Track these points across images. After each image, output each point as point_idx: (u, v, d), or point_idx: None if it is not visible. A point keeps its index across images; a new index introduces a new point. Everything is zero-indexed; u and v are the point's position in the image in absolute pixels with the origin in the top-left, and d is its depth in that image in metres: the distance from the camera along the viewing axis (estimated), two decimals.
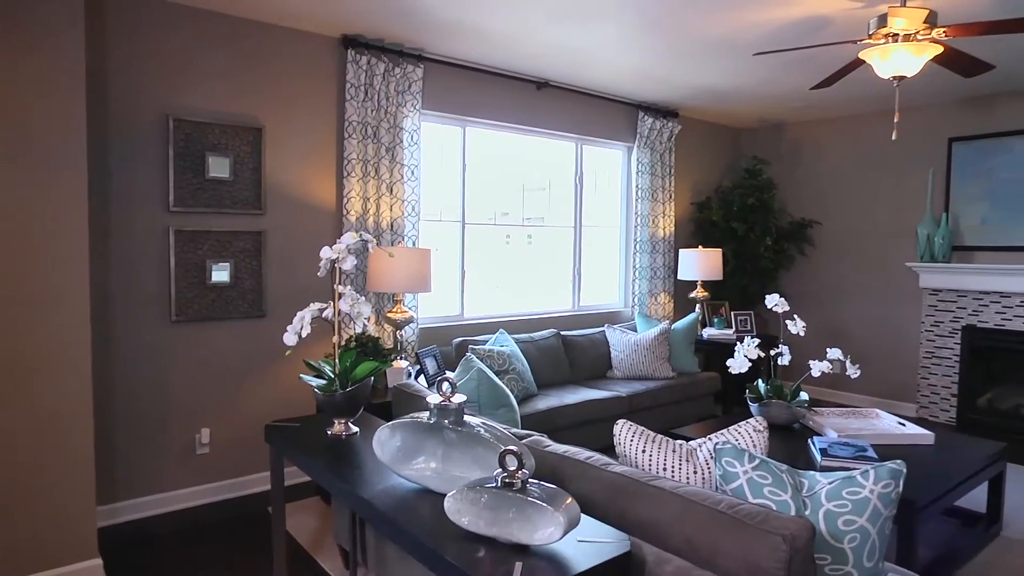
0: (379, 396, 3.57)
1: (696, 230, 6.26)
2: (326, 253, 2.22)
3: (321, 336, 3.90)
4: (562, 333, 4.83)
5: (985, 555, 3.07)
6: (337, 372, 2.21)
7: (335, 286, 2.26)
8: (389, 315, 3.76)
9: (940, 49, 3.00)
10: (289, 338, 2.20)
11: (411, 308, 4.19)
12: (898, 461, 1.71)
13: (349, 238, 2.22)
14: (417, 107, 4.13)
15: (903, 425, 3.38)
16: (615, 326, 5.04)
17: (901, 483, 1.70)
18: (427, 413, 1.79)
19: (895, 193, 5.65)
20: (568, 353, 4.72)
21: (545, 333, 4.67)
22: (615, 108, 5.44)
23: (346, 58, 3.89)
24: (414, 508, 1.67)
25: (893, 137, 3.60)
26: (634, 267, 5.65)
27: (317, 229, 3.90)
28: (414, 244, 4.20)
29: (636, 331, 5.12)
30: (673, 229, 5.90)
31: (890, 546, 2.90)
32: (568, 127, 5.14)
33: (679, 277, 5.64)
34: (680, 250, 5.62)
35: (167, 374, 3.44)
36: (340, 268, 2.25)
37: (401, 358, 3.78)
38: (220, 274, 3.54)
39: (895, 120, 3.45)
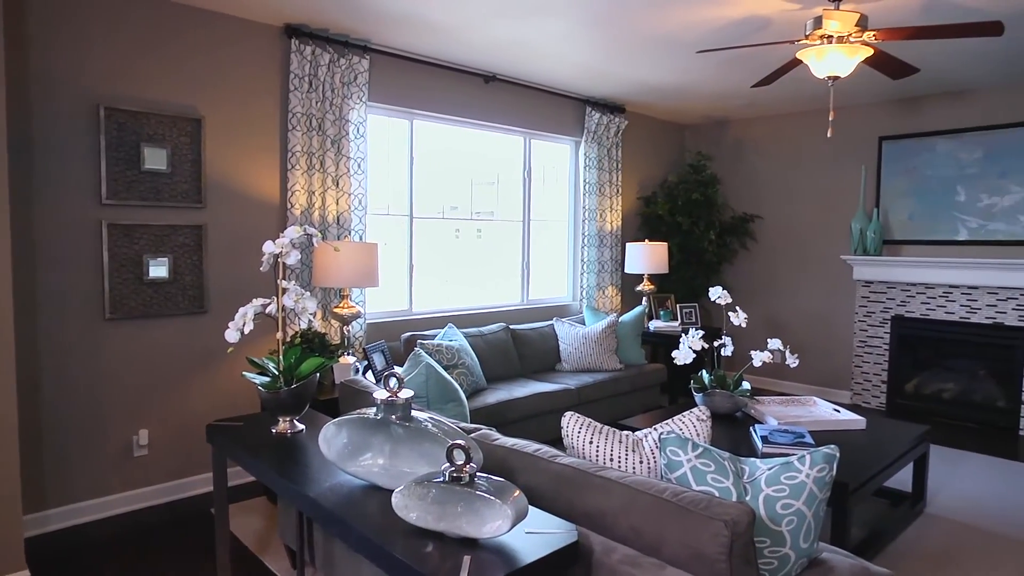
0: (326, 393, 3.51)
1: (643, 224, 6.37)
2: (269, 248, 2.17)
3: (265, 333, 3.81)
4: (511, 327, 4.85)
5: (911, 531, 3.24)
6: (281, 369, 2.16)
7: (278, 281, 2.21)
8: (336, 310, 3.71)
9: (871, 51, 3.13)
10: (231, 335, 2.14)
11: (358, 303, 4.13)
12: (832, 446, 1.78)
13: (293, 232, 2.18)
14: (363, 99, 4.07)
15: (838, 412, 3.53)
16: (564, 319, 5.09)
17: (835, 467, 1.77)
18: (374, 409, 1.77)
19: (831, 189, 5.87)
20: (517, 347, 4.75)
21: (494, 327, 4.67)
22: (563, 103, 5.48)
23: (290, 48, 3.80)
24: (361, 505, 1.66)
25: (828, 135, 3.74)
26: (582, 261, 5.71)
27: (261, 223, 3.80)
28: (361, 238, 4.14)
29: (584, 324, 5.19)
30: (620, 223, 5.99)
31: (825, 527, 3.03)
32: (516, 121, 5.15)
33: (626, 271, 5.73)
34: (627, 244, 5.71)
35: (101, 374, 3.30)
36: (284, 263, 2.20)
37: (348, 354, 3.72)
38: (158, 270, 3.41)
39: (830, 118, 3.59)
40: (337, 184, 4.02)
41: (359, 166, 4.10)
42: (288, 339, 3.65)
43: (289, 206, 3.83)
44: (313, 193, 3.92)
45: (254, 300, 2.20)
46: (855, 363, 5.74)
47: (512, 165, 5.33)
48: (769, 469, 1.77)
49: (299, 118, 3.80)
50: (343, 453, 1.81)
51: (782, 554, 1.71)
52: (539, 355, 4.83)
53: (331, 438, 1.82)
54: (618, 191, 5.87)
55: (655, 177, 6.52)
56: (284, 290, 2.27)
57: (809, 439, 2.92)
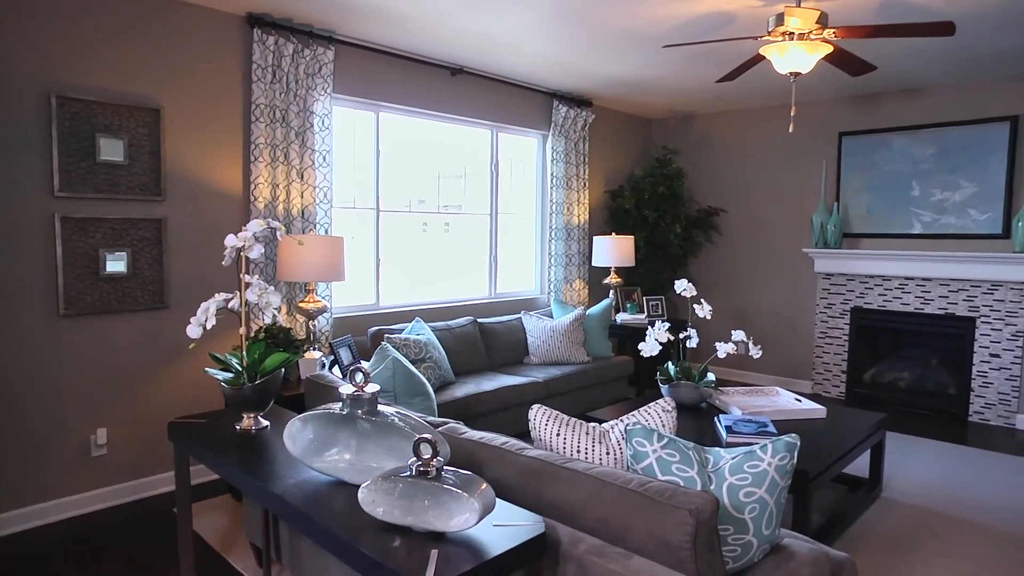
0: (292, 388, 3.47)
1: (609, 218, 6.41)
2: (231, 241, 2.13)
3: (228, 328, 3.75)
4: (479, 320, 4.85)
5: (868, 515, 3.34)
6: (245, 365, 2.13)
7: (241, 275, 2.17)
8: (301, 305, 3.66)
9: (830, 49, 3.20)
10: (193, 330, 2.10)
11: (324, 298, 4.09)
12: (793, 435, 1.83)
13: (255, 225, 2.14)
14: (328, 91, 4.01)
15: (799, 401, 3.61)
16: (531, 313, 5.10)
17: (795, 455, 1.82)
18: (340, 404, 1.76)
19: (793, 183, 5.99)
20: (485, 340, 4.75)
21: (462, 321, 4.67)
22: (530, 96, 5.48)
23: (252, 38, 3.72)
24: (328, 501, 1.64)
25: (790, 130, 3.81)
26: (550, 254, 5.73)
27: (223, 216, 3.73)
28: (327, 232, 4.09)
29: (552, 317, 5.21)
30: (587, 216, 6.02)
31: (786, 513, 3.10)
32: (483, 114, 5.13)
33: (593, 264, 5.77)
34: (594, 237, 5.75)
35: (56, 372, 3.20)
36: (246, 257, 2.16)
37: (314, 349, 3.68)
38: (116, 264, 3.32)
39: (792, 114, 3.66)
40: (302, 177, 3.96)
41: (324, 159, 4.04)
42: (252, 334, 3.59)
43: (252, 199, 3.76)
44: (277, 186, 3.85)
45: (216, 295, 2.16)
46: (816, 354, 5.88)
47: (479, 158, 5.31)
48: (732, 458, 1.81)
49: (262, 109, 3.73)
50: (309, 449, 1.79)
51: (745, 541, 1.75)
52: (507, 348, 4.84)
53: (296, 434, 1.80)
54: (585, 185, 5.90)
55: (622, 171, 6.56)
56: (247, 285, 2.23)
57: (772, 428, 2.99)
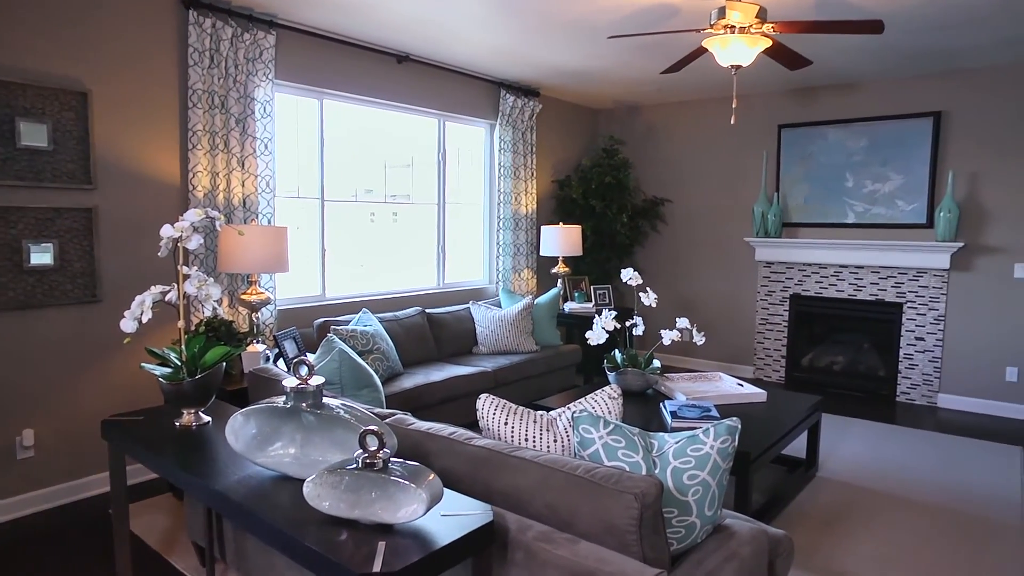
0: (235, 382, 3.38)
1: (557, 207, 6.45)
2: (167, 231, 2.05)
3: (166, 322, 3.62)
4: (427, 311, 4.82)
5: (805, 494, 3.48)
6: (184, 359, 2.06)
7: (179, 267, 2.10)
8: (243, 297, 3.56)
9: (769, 43, 3.29)
10: (127, 324, 2.02)
11: (268, 289, 3.99)
12: (734, 419, 1.88)
13: (193, 215, 2.07)
14: (269, 76, 3.90)
15: (741, 386, 3.72)
16: (480, 302, 5.10)
17: (736, 438, 1.87)
18: (284, 397, 1.72)
19: (735, 174, 6.14)
20: (434, 330, 4.72)
21: (410, 311, 4.63)
22: (477, 85, 5.45)
23: (188, 19, 3.57)
24: (272, 496, 1.61)
25: (732, 122, 3.91)
26: (498, 244, 5.73)
27: (160, 206, 3.59)
28: (270, 222, 3.99)
29: (500, 307, 5.22)
30: (535, 206, 6.04)
31: (728, 494, 3.20)
32: (430, 103, 5.08)
33: (541, 253, 5.80)
34: (542, 227, 5.78)
35: None
36: (184, 248, 2.09)
37: (258, 342, 3.59)
38: (41, 256, 3.16)
39: (733, 106, 3.75)
40: (243, 165, 3.85)
41: (266, 147, 3.93)
42: (193, 328, 3.48)
43: (191, 188, 3.63)
44: (217, 175, 3.73)
45: (153, 287, 2.08)
46: (757, 339, 6.07)
47: (427, 147, 5.26)
48: (676, 442, 1.85)
49: (200, 95, 3.60)
50: (252, 444, 1.75)
51: (689, 522, 1.80)
52: (456, 338, 4.83)
53: (239, 429, 1.75)
54: (533, 174, 5.92)
55: (569, 161, 6.61)
56: (186, 276, 2.15)
57: (715, 413, 3.07)
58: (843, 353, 5.81)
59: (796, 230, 5.83)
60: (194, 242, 2.07)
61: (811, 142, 5.67)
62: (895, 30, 4.01)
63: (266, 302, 3.60)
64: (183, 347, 2.06)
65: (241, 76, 3.77)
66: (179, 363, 2.06)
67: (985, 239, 5.00)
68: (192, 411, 2.11)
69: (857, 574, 2.70)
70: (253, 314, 3.62)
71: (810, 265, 5.74)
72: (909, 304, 5.30)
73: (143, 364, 2.10)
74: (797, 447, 4.12)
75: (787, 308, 5.88)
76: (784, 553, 2.01)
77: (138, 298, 2.04)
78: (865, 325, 5.66)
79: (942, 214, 4.98)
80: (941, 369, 5.23)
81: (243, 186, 3.86)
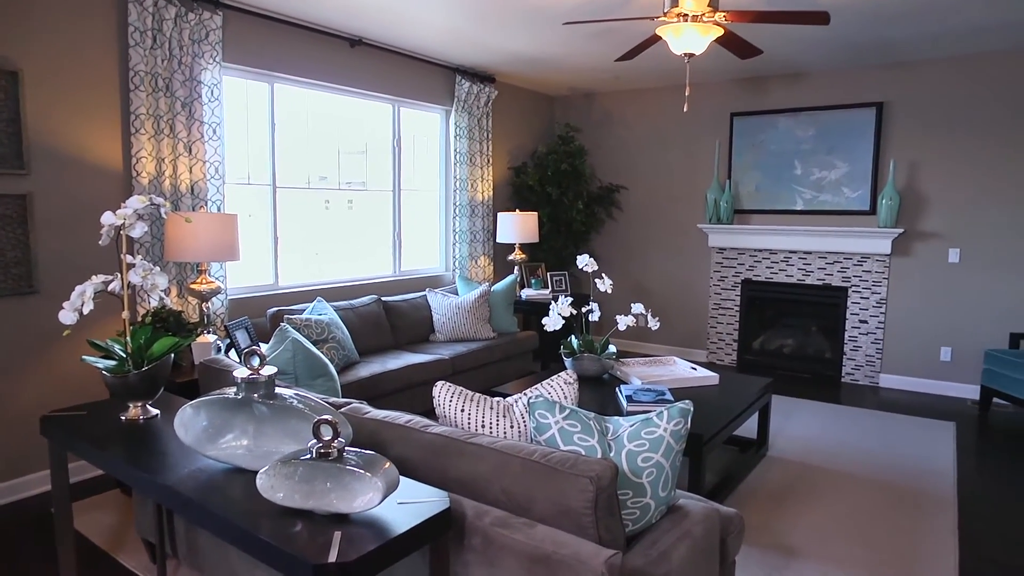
0: (185, 374, 3.29)
1: (513, 194, 6.45)
2: (108, 219, 1.97)
3: (110, 313, 3.49)
4: (383, 299, 4.77)
5: (756, 473, 3.59)
6: (130, 351, 2.00)
7: (122, 256, 2.02)
8: (193, 287, 3.46)
9: (721, 31, 3.33)
10: (67, 316, 1.94)
11: (218, 278, 3.89)
12: (687, 401, 1.92)
13: (136, 202, 1.99)
14: (217, 59, 3.77)
15: (695, 370, 3.80)
16: (436, 290, 5.08)
17: (689, 420, 1.91)
18: (235, 388, 1.69)
19: (689, 161, 6.24)
20: (390, 319, 4.68)
21: (365, 300, 4.58)
22: (432, 70, 5.39)
23: None
24: (224, 489, 1.58)
25: (685, 109, 3.95)
26: (454, 231, 5.71)
27: (102, 192, 3.45)
28: (219, 209, 3.88)
29: (457, 294, 5.21)
30: (491, 193, 6.03)
31: (682, 475, 3.28)
32: (385, 88, 5.00)
33: (498, 240, 5.80)
34: (498, 214, 5.77)
35: None
36: (127, 236, 2.02)
37: (208, 332, 3.50)
38: None
39: (686, 94, 3.79)
40: (190, 151, 3.72)
41: (214, 132, 3.81)
42: (139, 319, 3.37)
43: (135, 174, 3.50)
44: (163, 160, 3.60)
45: (94, 277, 2.00)
46: (710, 324, 6.20)
47: (381, 134, 5.18)
48: (631, 426, 1.88)
49: (142, 77, 3.46)
50: (202, 436, 1.71)
51: (643, 503, 1.83)
52: (412, 326, 4.80)
53: (188, 421, 1.71)
54: (489, 161, 5.89)
55: (525, 148, 6.60)
56: (130, 266, 2.08)
57: (669, 396, 3.14)
58: (792, 336, 5.99)
59: (747, 217, 5.96)
60: (138, 230, 2.00)
61: (762, 130, 5.79)
62: (840, 22, 4.12)
63: (216, 291, 3.50)
64: (128, 338, 1.99)
65: (186, 58, 3.64)
66: (124, 355, 1.99)
67: (923, 225, 5.21)
68: (139, 404, 2.04)
69: (803, 547, 2.81)
70: (203, 304, 3.53)
71: (761, 251, 5.88)
72: (854, 288, 5.49)
73: (84, 357, 2.02)
74: (748, 428, 4.24)
75: (739, 293, 6.02)
76: (735, 531, 2.07)
77: (78, 288, 1.97)
78: (813, 309, 5.84)
79: (884, 201, 5.16)
80: (883, 351, 5.44)
81: (191, 172, 3.74)
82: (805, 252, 5.66)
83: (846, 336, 5.56)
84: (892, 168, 5.16)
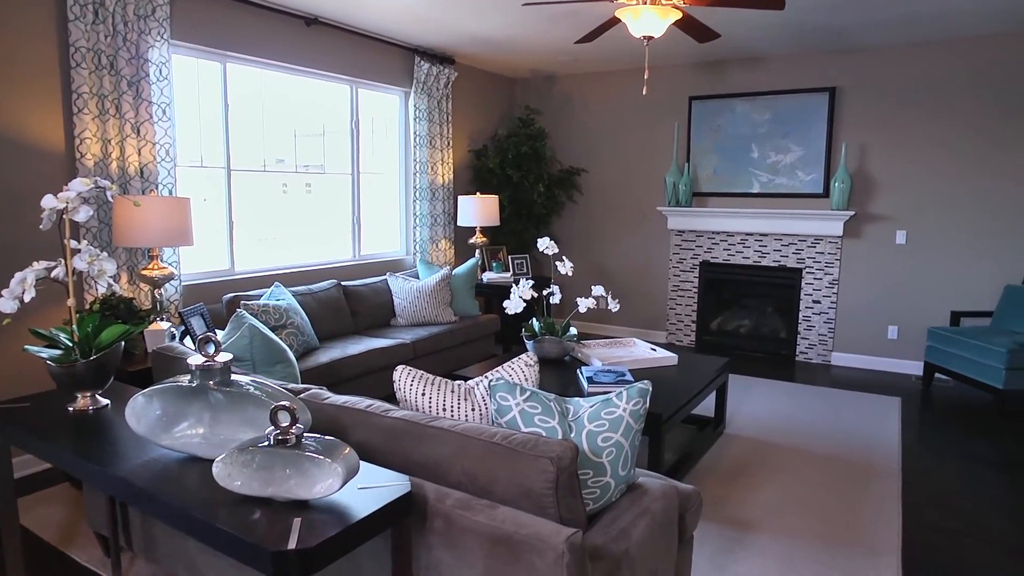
0: (138, 363, 3.20)
1: (474, 177, 6.42)
2: (49, 203, 1.90)
3: (55, 301, 3.37)
4: (343, 283, 4.71)
5: (713, 451, 3.67)
6: (77, 340, 1.93)
7: (65, 241, 1.95)
8: (144, 272, 3.36)
9: (679, 15, 3.35)
10: (6, 304, 1.86)
11: (171, 264, 3.78)
12: (646, 382, 1.95)
13: (80, 184, 1.92)
14: (164, 36, 3.64)
15: (654, 350, 3.86)
16: (397, 274, 5.03)
17: (647, 400, 1.95)
18: (189, 376, 1.65)
19: (648, 144, 6.29)
20: (350, 303, 4.63)
21: (325, 284, 4.51)
22: (391, 51, 5.29)
23: None
24: (180, 479, 1.55)
25: (644, 92, 3.97)
26: (414, 214, 5.65)
27: (42, 175, 3.30)
28: (171, 192, 3.76)
29: (418, 278, 5.17)
30: (452, 176, 5.98)
31: (642, 454, 3.34)
32: (342, 69, 4.90)
33: (459, 224, 5.77)
34: (459, 197, 5.74)
35: None
36: (71, 220, 1.94)
37: (162, 319, 3.41)
38: None
39: (645, 77, 3.81)
40: (138, 132, 3.59)
41: (164, 112, 3.68)
42: (88, 306, 3.26)
43: (79, 156, 3.36)
44: (109, 142, 3.47)
45: (35, 263, 1.93)
46: (669, 305, 6.30)
47: (339, 116, 5.09)
48: (591, 406, 1.91)
49: (84, 54, 3.32)
50: (156, 426, 1.67)
51: (603, 483, 1.86)
52: (373, 311, 4.76)
53: (141, 410, 1.67)
54: (449, 144, 5.84)
55: (486, 130, 6.56)
56: (75, 251, 2.01)
57: (629, 377, 3.18)
58: (748, 317, 6.13)
59: (706, 199, 6.05)
60: (82, 214, 1.93)
61: (720, 114, 5.87)
62: (795, 7, 4.18)
63: (169, 277, 3.41)
64: (75, 327, 1.93)
65: (132, 35, 3.50)
66: (70, 344, 1.92)
67: (872, 208, 5.37)
68: (88, 394, 1.98)
69: (758, 521, 2.89)
70: (156, 290, 3.43)
71: (718, 233, 5.98)
72: (807, 269, 5.63)
73: (27, 347, 1.95)
74: (706, 406, 4.33)
75: (697, 275, 6.12)
76: (693, 507, 2.12)
77: (18, 275, 1.89)
78: (769, 290, 5.97)
79: (836, 184, 5.29)
80: (835, 330, 5.61)
81: (139, 154, 3.61)
82: (761, 234, 5.78)
83: (800, 316, 5.71)
84: (844, 152, 5.29)
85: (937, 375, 5.13)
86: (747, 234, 5.84)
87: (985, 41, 4.86)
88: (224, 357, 1.65)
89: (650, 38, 3.38)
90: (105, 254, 2.08)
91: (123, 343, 2.01)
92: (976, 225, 5.03)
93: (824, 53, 5.40)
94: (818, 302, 5.62)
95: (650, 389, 1.93)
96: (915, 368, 5.34)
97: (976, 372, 4.41)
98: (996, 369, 4.24)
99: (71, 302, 1.96)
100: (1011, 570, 2.57)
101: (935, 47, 5.02)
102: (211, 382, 1.62)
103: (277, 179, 4.67)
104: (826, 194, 5.48)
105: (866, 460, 3.58)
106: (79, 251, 2.00)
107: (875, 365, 5.49)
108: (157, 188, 3.69)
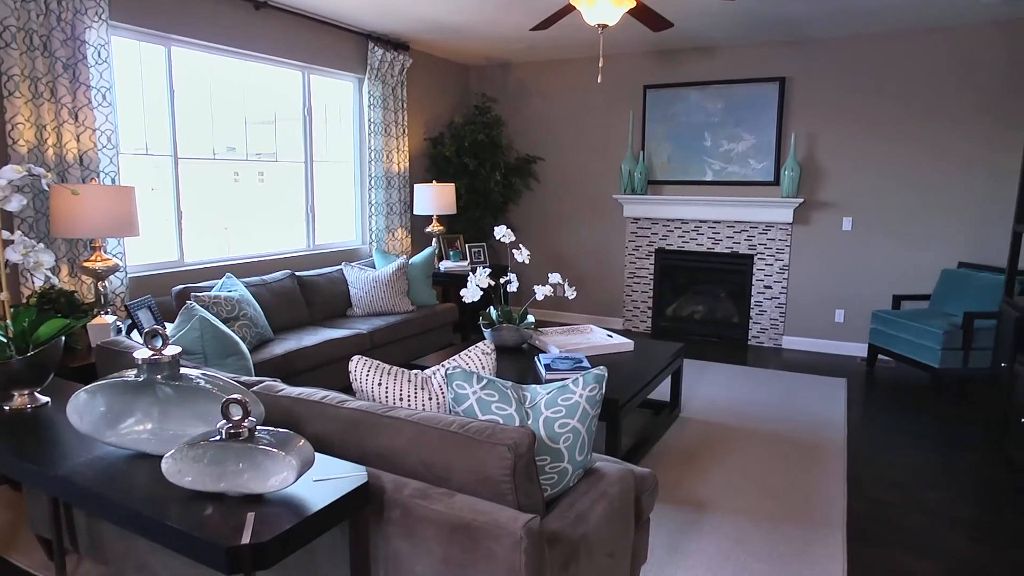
0: (81, 358, 3.09)
1: (430, 165, 6.36)
2: None
3: None
4: (297, 274, 4.62)
5: (669, 434, 3.75)
6: (11, 335, 1.85)
7: None
8: (86, 264, 3.23)
9: (633, 3, 3.36)
10: None
11: (116, 255, 3.65)
12: (602, 368, 1.97)
13: (11, 172, 1.83)
14: (103, 16, 3.48)
15: (611, 337, 3.91)
16: (353, 264, 4.96)
17: (603, 386, 1.97)
18: (136, 370, 1.60)
19: (604, 132, 6.32)
20: (305, 294, 4.55)
21: (279, 275, 4.42)
22: (343, 37, 5.19)
23: None
24: (127, 476, 1.50)
25: (599, 80, 3.99)
26: (370, 203, 5.58)
27: None
28: (113, 181, 3.62)
29: (375, 267, 5.11)
30: (408, 164, 5.91)
31: (600, 439, 3.39)
32: (293, 54, 4.78)
33: (415, 212, 5.71)
34: (415, 185, 5.68)
35: None
36: (3, 210, 1.85)
37: (106, 313, 3.29)
38: None
39: (600, 65, 3.82)
40: (76, 117, 3.44)
41: (104, 97, 3.54)
42: (25, 300, 3.12)
43: (11, 142, 3.20)
44: (44, 127, 3.31)
45: None
46: (626, 292, 6.38)
47: (291, 102, 4.97)
48: (548, 393, 1.92)
49: (13, 33, 3.15)
50: (100, 423, 1.61)
51: (561, 468, 1.88)
52: (329, 301, 4.69)
53: (83, 407, 1.61)
54: (404, 132, 5.77)
55: (441, 118, 6.50)
56: (8, 242, 1.91)
57: (586, 363, 3.21)
58: (703, 303, 6.25)
59: (660, 187, 6.13)
60: (15, 203, 1.84)
61: (673, 103, 5.94)
62: None
63: (114, 269, 3.29)
64: (8, 322, 1.84)
65: (66, 14, 3.35)
66: (5, 340, 1.84)
67: (821, 195, 5.52)
68: (25, 392, 1.90)
69: (712, 500, 2.97)
70: (99, 283, 3.30)
71: (673, 221, 6.07)
72: (759, 256, 5.77)
73: None
74: (662, 391, 4.41)
75: (653, 262, 6.21)
76: (649, 489, 2.16)
77: None
78: (722, 276, 6.10)
79: (786, 172, 5.42)
80: (785, 314, 5.77)
81: (78, 141, 3.46)
82: (714, 221, 5.89)
83: (752, 301, 5.85)
84: (793, 141, 5.42)
85: (880, 356, 5.33)
86: (701, 221, 5.94)
87: (922, 35, 5.02)
88: (173, 350, 1.60)
89: (604, 26, 3.39)
90: (42, 245, 1.99)
91: (63, 338, 1.93)
92: (915, 212, 5.22)
93: (776, 43, 5.51)
94: (769, 287, 5.77)
95: (606, 375, 1.95)
96: (860, 350, 5.53)
97: (915, 352, 4.60)
98: (932, 349, 4.43)
99: (5, 296, 1.88)
100: (946, 537, 2.70)
101: (878, 40, 5.17)
102: (159, 376, 1.58)
103: (228, 167, 4.54)
104: (777, 182, 5.62)
105: (814, 439, 3.70)
106: (12, 242, 1.91)
107: (823, 348, 5.67)
108: (99, 176, 3.54)
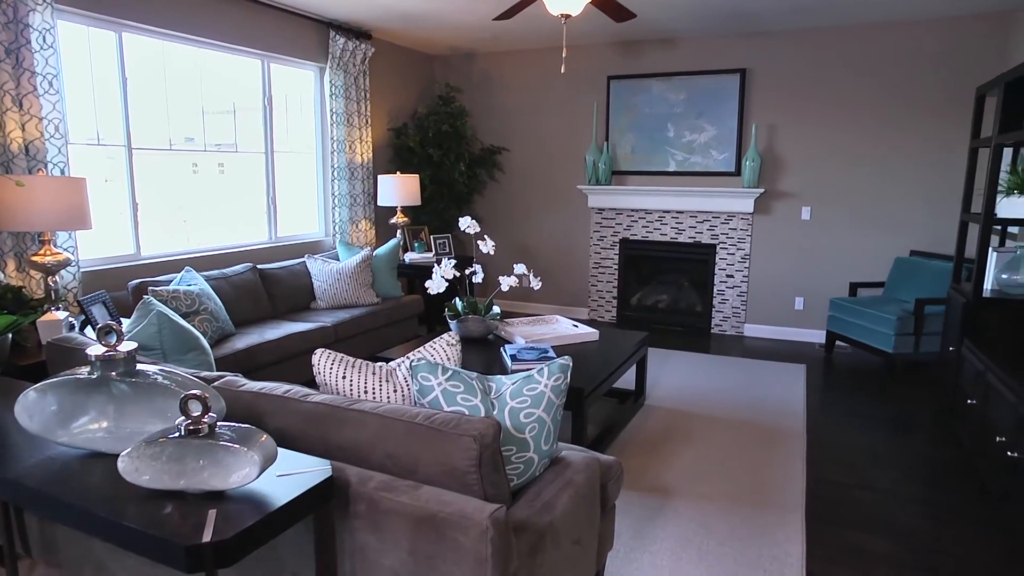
0: (30, 356, 2.98)
1: (394, 156, 6.29)
2: None
3: None
4: (259, 267, 4.54)
5: (635, 422, 3.80)
6: None
7: None
8: (35, 259, 3.12)
9: None
10: None
11: (67, 249, 3.53)
12: (566, 357, 1.98)
13: None
14: (47, 0, 3.35)
15: (576, 327, 3.93)
16: (316, 256, 4.90)
17: (568, 375, 1.98)
18: (88, 367, 1.55)
19: (568, 123, 6.34)
20: (267, 287, 4.47)
21: (240, 268, 4.34)
22: (304, 24, 5.09)
23: None
24: (80, 477, 1.46)
25: (562, 71, 3.99)
26: (333, 194, 5.50)
27: None
28: (63, 172, 3.50)
29: (338, 260, 5.05)
30: (371, 155, 5.85)
31: (566, 428, 3.42)
32: (252, 42, 4.67)
33: (379, 203, 5.66)
34: (379, 176, 5.62)
35: None
36: None
37: (58, 308, 3.19)
38: None
39: (563, 55, 3.82)
40: (20, 105, 3.31)
41: (51, 84, 3.41)
42: None
43: None
44: None
45: None
46: (591, 282, 6.42)
47: (251, 92, 4.86)
48: (513, 383, 1.92)
49: None
50: (52, 422, 1.57)
51: (527, 458, 1.89)
52: (292, 294, 4.61)
53: (33, 406, 1.56)
54: (367, 122, 5.70)
55: (405, 108, 6.44)
56: None
57: (552, 354, 3.23)
58: (667, 292, 6.33)
59: (624, 178, 6.17)
60: None
61: (637, 94, 5.98)
62: None
63: (65, 263, 3.18)
64: None
65: None
66: None
67: (780, 186, 5.63)
68: None
69: (676, 487, 3.02)
70: (49, 278, 3.20)
71: (637, 211, 6.12)
72: (721, 245, 5.86)
73: None
74: (627, 380, 4.46)
75: (617, 252, 6.26)
76: (615, 477, 2.18)
77: None
78: (685, 265, 6.18)
79: (747, 163, 5.51)
80: (747, 303, 5.88)
81: (23, 130, 3.33)
82: (678, 211, 5.96)
83: (715, 290, 5.95)
84: (754, 132, 5.51)
85: (837, 342, 5.47)
86: (664, 211, 6.01)
87: (877, 29, 5.15)
88: (128, 346, 1.56)
89: (567, 16, 3.39)
90: None
91: (10, 335, 1.86)
92: (871, 202, 5.36)
93: (737, 35, 5.58)
94: (731, 276, 5.87)
95: (571, 364, 1.96)
96: (819, 336, 5.67)
97: (870, 338, 4.74)
98: (886, 335, 4.57)
99: None
100: (900, 516, 2.80)
101: (835, 33, 5.28)
102: (113, 373, 1.53)
103: (186, 158, 4.43)
104: (738, 172, 5.70)
105: (775, 424, 3.79)
106: None
107: (783, 335, 5.80)
108: (46, 167, 3.42)
